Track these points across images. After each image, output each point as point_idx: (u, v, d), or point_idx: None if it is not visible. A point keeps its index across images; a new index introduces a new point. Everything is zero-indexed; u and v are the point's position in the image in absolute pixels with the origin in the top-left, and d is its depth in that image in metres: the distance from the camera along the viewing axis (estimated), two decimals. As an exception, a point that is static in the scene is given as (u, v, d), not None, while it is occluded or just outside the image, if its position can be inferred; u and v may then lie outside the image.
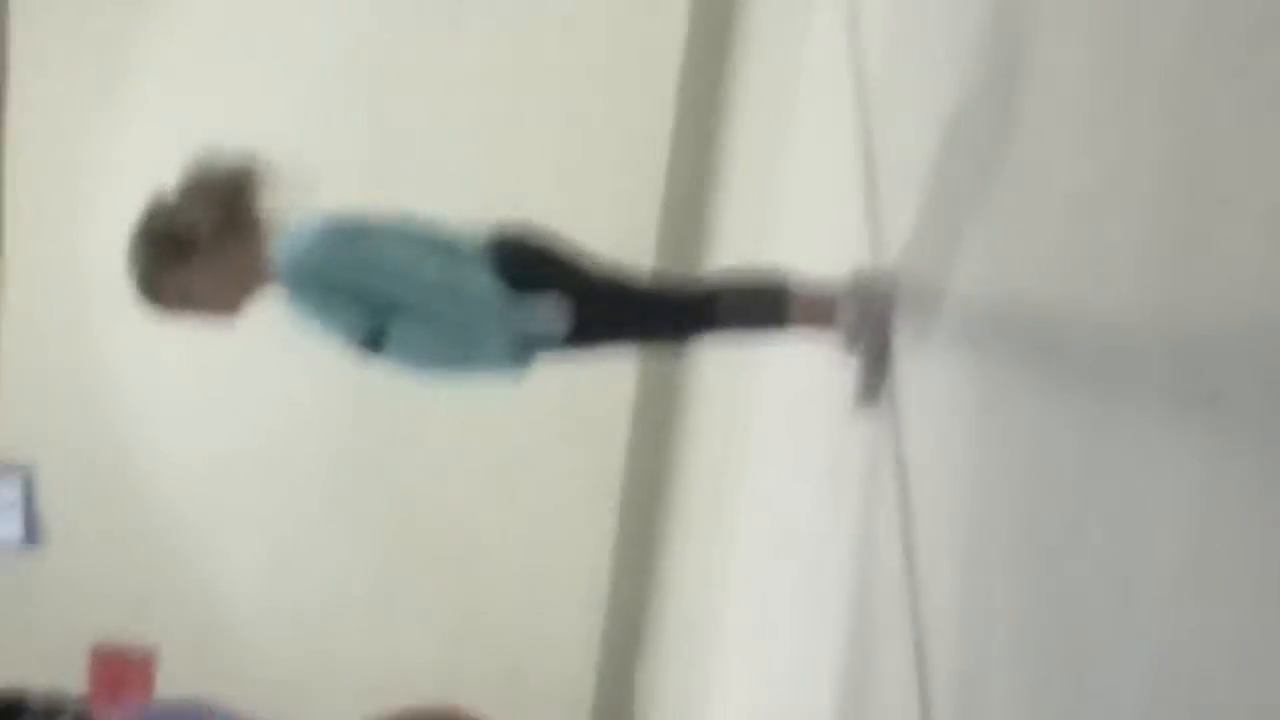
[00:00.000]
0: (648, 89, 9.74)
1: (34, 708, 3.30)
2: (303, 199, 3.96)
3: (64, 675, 8.74)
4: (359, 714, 3.84)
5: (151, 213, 3.94)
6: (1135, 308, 2.09)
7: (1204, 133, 1.93)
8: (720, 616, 6.46)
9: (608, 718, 10.23)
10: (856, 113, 4.77)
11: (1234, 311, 1.78)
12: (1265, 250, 1.71)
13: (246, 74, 9.75)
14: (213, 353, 9.24)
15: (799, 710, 4.32)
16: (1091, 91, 2.44)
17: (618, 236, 6.81)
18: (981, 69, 3.22)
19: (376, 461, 10.16)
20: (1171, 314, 1.96)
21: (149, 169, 4.19)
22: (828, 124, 5.47)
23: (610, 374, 9.42)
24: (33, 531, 9.72)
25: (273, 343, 5.64)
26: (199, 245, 3.88)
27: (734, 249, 7.88)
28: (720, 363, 7.53)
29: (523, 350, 3.95)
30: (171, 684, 9.66)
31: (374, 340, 3.88)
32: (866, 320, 3.87)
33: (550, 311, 3.88)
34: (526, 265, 3.92)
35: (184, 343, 8.16)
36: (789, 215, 6.22)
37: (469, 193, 9.04)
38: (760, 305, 4.04)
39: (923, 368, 3.49)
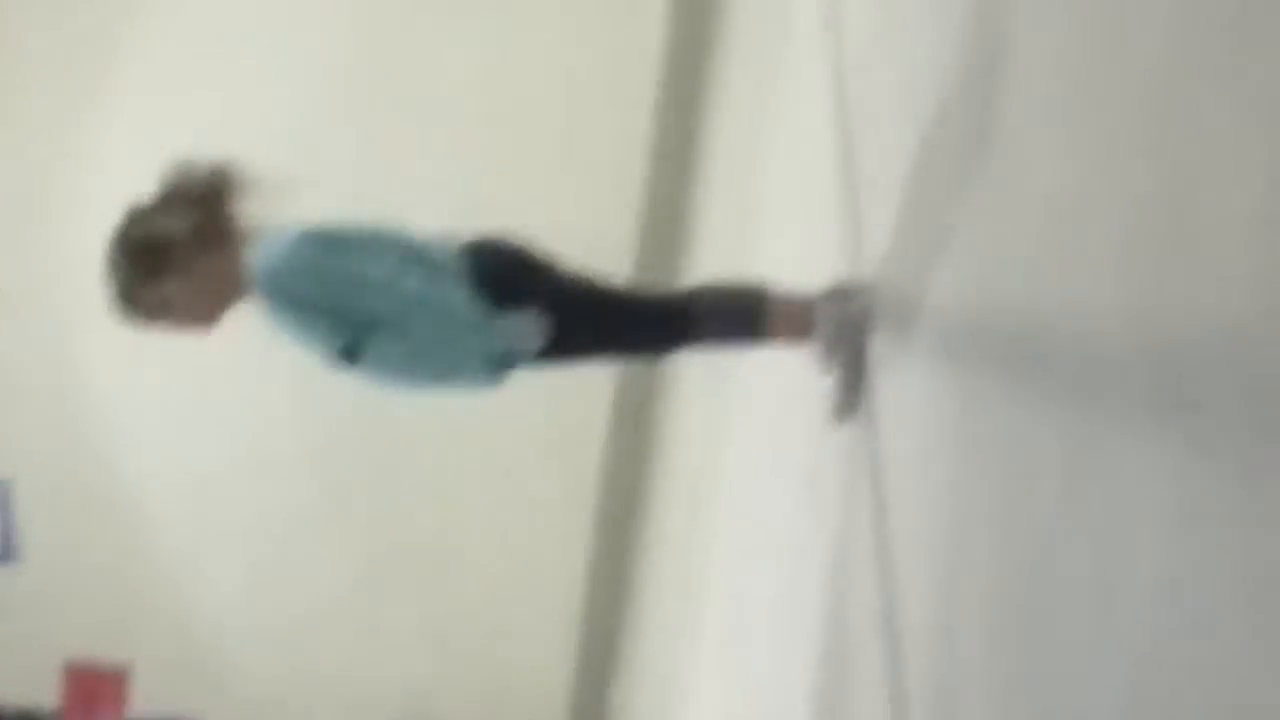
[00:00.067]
0: (627, 98, 9.75)
1: (8, 722, 3.28)
2: (280, 207, 3.94)
3: (38, 691, 8.73)
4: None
5: (128, 223, 3.92)
6: (1115, 316, 2.09)
7: (1185, 141, 1.93)
8: (696, 627, 6.46)
9: (585, 731, 10.22)
10: (836, 120, 4.77)
11: (1214, 320, 1.77)
12: (1245, 259, 1.71)
13: (227, 82, 9.73)
14: (191, 366, 9.23)
15: (777, 723, 4.31)
16: (1072, 97, 2.44)
17: (596, 245, 6.80)
18: (961, 74, 3.22)
19: (353, 477, 10.14)
20: (1151, 323, 1.96)
21: (127, 179, 4.17)
22: (807, 132, 5.47)
23: (587, 384, 9.41)
24: (9, 547, 9.69)
25: (251, 355, 5.63)
26: (176, 256, 3.86)
27: (713, 258, 7.88)
28: (698, 373, 7.53)
29: (500, 364, 3.94)
30: (149, 700, 9.64)
31: (350, 353, 3.87)
32: (844, 332, 3.86)
33: (528, 327, 3.87)
34: (504, 277, 3.91)
35: (162, 356, 8.15)
36: (768, 224, 6.22)
37: (447, 200, 9.04)
38: (738, 317, 4.03)
39: (901, 378, 3.49)
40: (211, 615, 10.24)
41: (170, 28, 9.78)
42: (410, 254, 3.87)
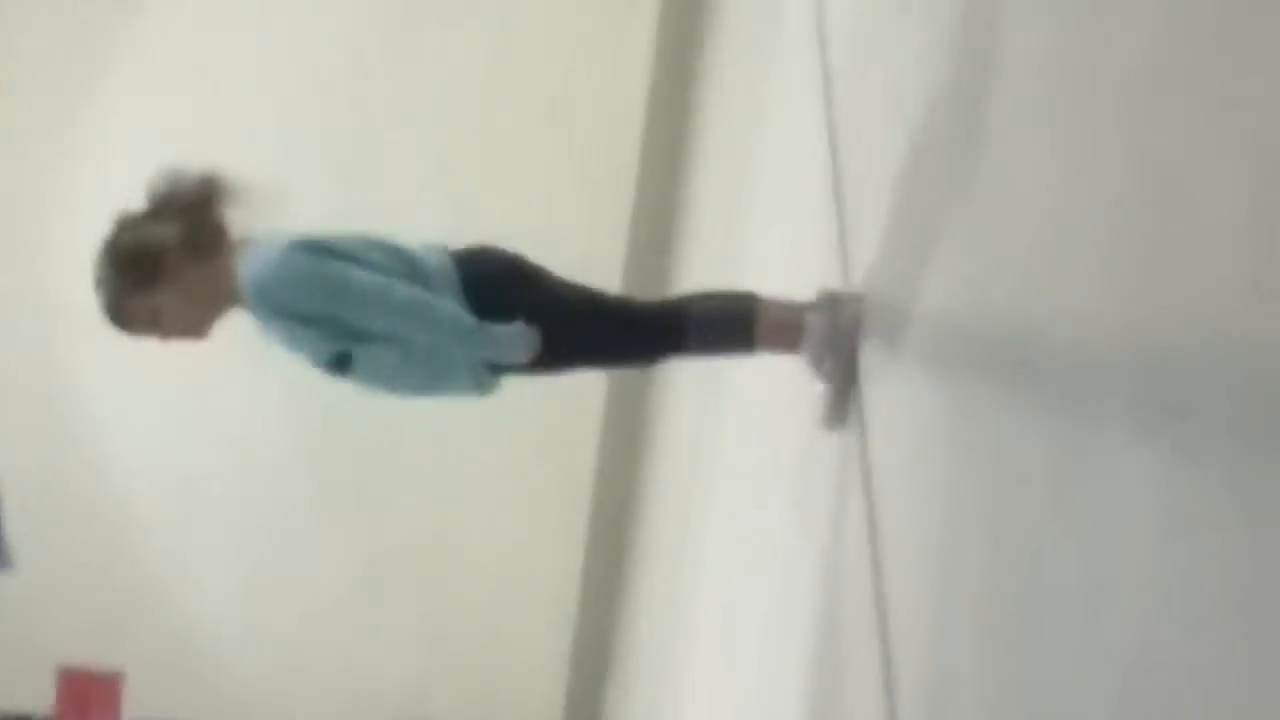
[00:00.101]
0: (616, 107, 9.75)
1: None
2: (269, 215, 3.94)
3: (31, 697, 8.71)
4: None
5: (118, 233, 3.92)
6: (1103, 321, 2.09)
7: (1172, 145, 1.94)
8: (689, 634, 6.45)
9: (577, 737, 10.22)
10: (824, 127, 4.78)
11: (1201, 325, 1.78)
12: (1232, 263, 1.71)
13: (219, 87, 9.72)
14: (181, 372, 9.21)
15: (768, 730, 4.31)
16: (1058, 101, 2.44)
17: (586, 255, 6.80)
18: (949, 78, 3.22)
19: (346, 484, 10.13)
20: (1139, 328, 1.96)
21: (117, 181, 4.17)
22: (795, 140, 5.47)
23: (580, 391, 9.41)
24: (0, 553, 9.67)
25: (242, 361, 5.63)
26: (166, 266, 3.86)
27: (702, 265, 7.88)
28: (689, 382, 7.53)
29: (489, 373, 3.94)
30: (141, 705, 9.63)
31: (340, 362, 3.87)
32: (834, 339, 3.86)
33: (517, 338, 3.87)
34: (494, 287, 3.91)
35: (152, 358, 8.14)
36: (757, 234, 6.22)
37: (437, 207, 9.04)
38: (728, 326, 4.03)
39: (891, 386, 3.49)
40: (205, 619, 10.22)
41: (164, 32, 9.77)
42: (400, 264, 3.87)
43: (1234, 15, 1.80)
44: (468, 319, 3.83)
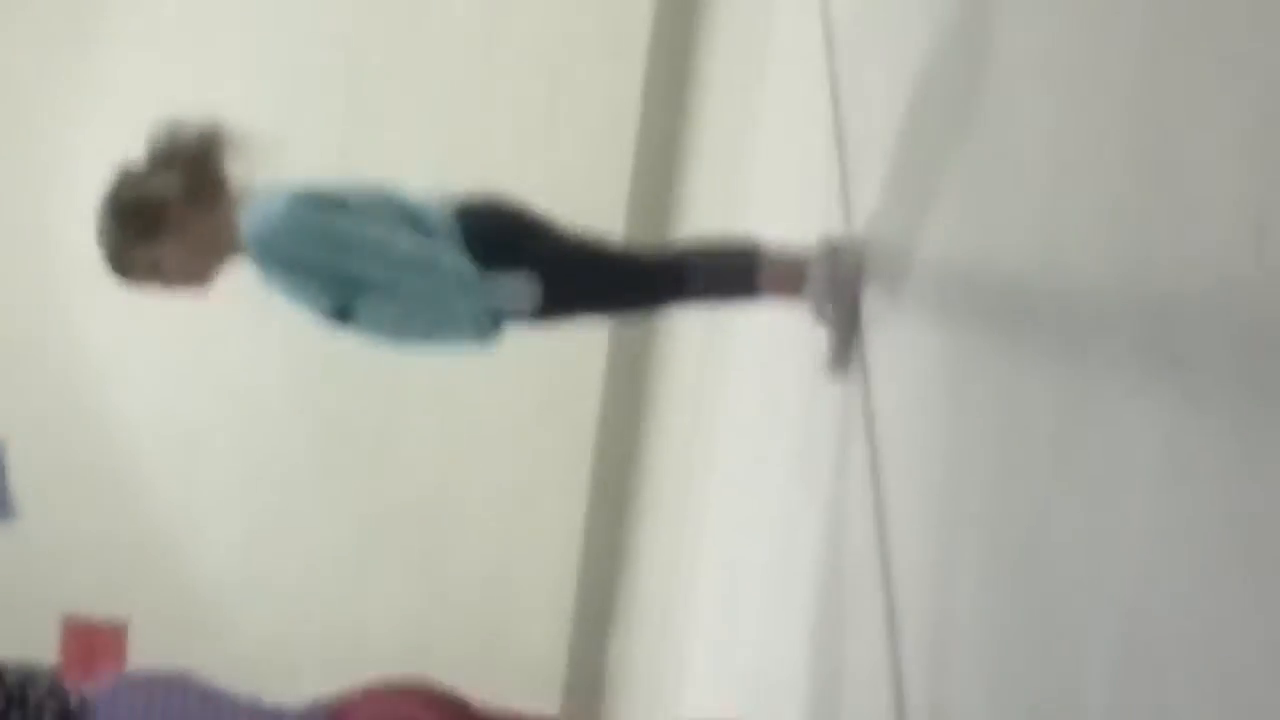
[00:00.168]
0: (618, 57, 9.73)
1: (7, 680, 3.29)
2: (270, 167, 3.94)
3: (36, 648, 8.72)
4: (331, 686, 3.84)
5: (119, 185, 3.92)
6: (1105, 270, 2.09)
7: (1174, 95, 1.93)
8: (692, 586, 6.47)
9: (580, 689, 10.24)
10: (826, 76, 4.77)
11: (1203, 274, 1.78)
12: (1233, 213, 1.71)
13: (219, 39, 9.70)
14: (184, 324, 9.22)
15: (771, 676, 4.33)
16: (1061, 52, 2.44)
17: (588, 205, 6.79)
18: (952, 29, 3.21)
19: (350, 435, 10.14)
20: (1141, 277, 1.96)
21: (118, 138, 4.16)
22: (797, 88, 5.46)
23: (581, 345, 9.41)
24: (3, 505, 9.69)
25: (245, 313, 5.63)
26: (168, 217, 3.86)
27: (704, 215, 7.87)
28: (691, 331, 7.53)
29: (492, 324, 3.94)
30: (144, 656, 9.65)
31: (342, 313, 3.87)
32: (836, 287, 3.86)
33: (520, 288, 3.86)
34: (496, 238, 3.90)
35: (155, 315, 8.14)
36: (759, 181, 6.22)
37: (439, 159, 9.03)
38: (731, 273, 4.03)
39: (893, 334, 3.49)
40: (208, 569, 10.25)
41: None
42: (402, 215, 3.87)
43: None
44: (469, 269, 3.83)
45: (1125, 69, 2.11)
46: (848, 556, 3.56)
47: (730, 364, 6.28)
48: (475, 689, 3.78)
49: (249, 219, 3.83)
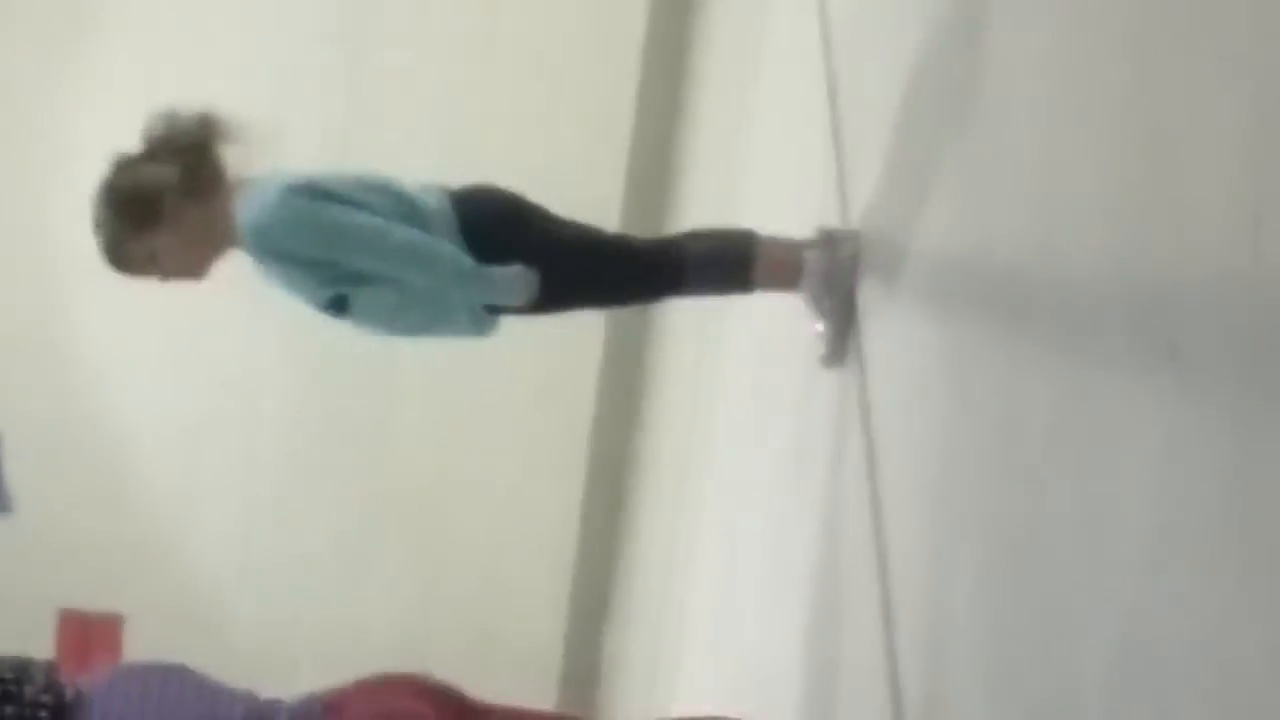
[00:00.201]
0: (614, 54, 9.72)
1: (2, 673, 3.28)
2: (266, 156, 3.93)
3: (31, 642, 8.72)
4: (327, 679, 3.83)
5: (115, 174, 3.91)
6: (1101, 261, 2.09)
7: (1169, 88, 1.93)
8: (689, 576, 6.47)
9: (576, 682, 10.23)
10: (822, 68, 4.76)
11: (1199, 265, 1.78)
12: (1228, 204, 1.71)
13: (216, 29, 9.69)
14: (180, 317, 9.21)
15: (767, 668, 4.33)
16: (1057, 44, 2.43)
17: (584, 202, 6.77)
18: (948, 20, 3.21)
19: (345, 428, 10.13)
20: (1137, 268, 1.96)
21: (118, 136, 4.15)
22: (793, 80, 5.45)
23: (578, 334, 9.40)
24: (0, 498, 9.68)
25: (241, 304, 5.62)
26: (164, 207, 3.85)
27: (700, 205, 7.86)
28: (688, 322, 7.53)
29: (488, 315, 3.94)
30: (140, 649, 9.65)
31: (338, 304, 3.87)
32: (832, 278, 3.86)
33: (516, 279, 3.86)
34: (492, 228, 3.90)
35: (152, 305, 8.13)
36: (754, 179, 6.21)
37: (435, 149, 9.01)
38: (727, 264, 4.03)
39: (889, 324, 3.49)
40: (205, 561, 10.25)
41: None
42: (398, 205, 3.86)
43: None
44: (466, 260, 3.82)
45: (1121, 65, 2.11)
46: (844, 549, 3.56)
47: (726, 355, 6.28)
48: (471, 681, 3.77)
49: (245, 210, 3.82)
